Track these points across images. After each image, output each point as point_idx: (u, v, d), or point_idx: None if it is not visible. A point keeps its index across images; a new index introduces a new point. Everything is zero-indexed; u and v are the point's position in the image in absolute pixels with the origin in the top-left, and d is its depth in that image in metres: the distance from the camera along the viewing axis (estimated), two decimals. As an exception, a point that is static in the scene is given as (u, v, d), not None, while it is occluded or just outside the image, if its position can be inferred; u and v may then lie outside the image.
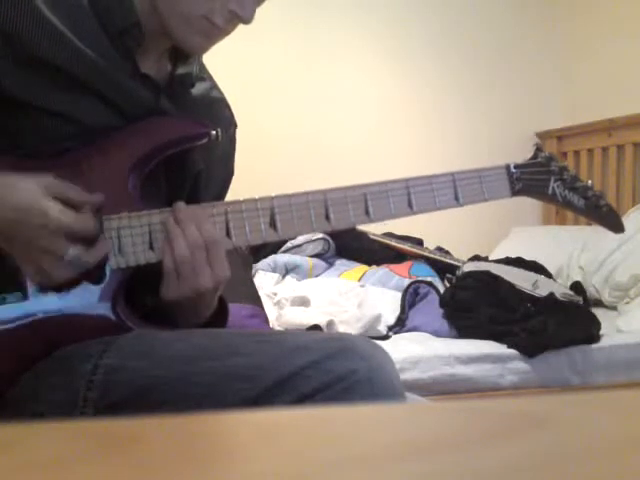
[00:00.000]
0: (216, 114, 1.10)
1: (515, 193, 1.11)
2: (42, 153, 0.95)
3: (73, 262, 0.89)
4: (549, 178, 1.14)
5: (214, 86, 1.14)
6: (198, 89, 1.09)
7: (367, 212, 1.02)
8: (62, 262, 0.88)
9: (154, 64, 1.04)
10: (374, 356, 0.85)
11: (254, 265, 2.64)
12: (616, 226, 1.22)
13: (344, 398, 0.80)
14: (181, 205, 0.95)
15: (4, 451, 0.27)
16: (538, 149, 1.16)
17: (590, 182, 1.19)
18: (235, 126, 1.16)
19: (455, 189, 1.06)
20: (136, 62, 1.00)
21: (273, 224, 0.99)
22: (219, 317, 1.02)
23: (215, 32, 0.98)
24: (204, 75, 1.12)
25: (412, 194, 1.04)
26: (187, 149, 1.02)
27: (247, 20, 0.98)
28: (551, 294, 2.30)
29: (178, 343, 0.90)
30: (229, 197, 1.12)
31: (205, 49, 1.01)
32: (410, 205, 1.04)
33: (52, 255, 0.88)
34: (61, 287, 0.92)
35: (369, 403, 0.78)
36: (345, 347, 0.84)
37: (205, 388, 0.84)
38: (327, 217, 1.01)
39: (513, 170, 1.11)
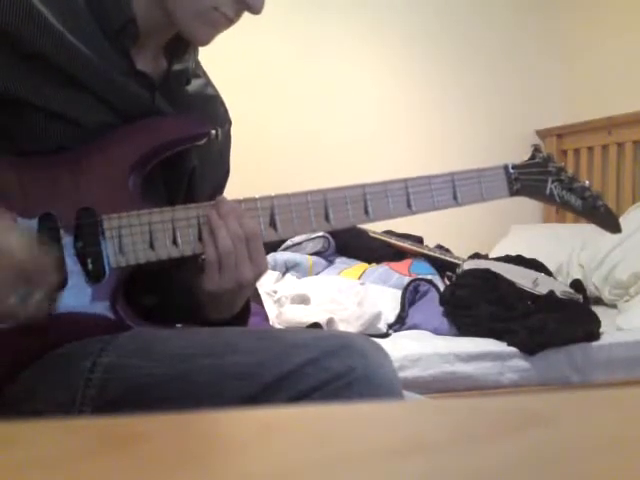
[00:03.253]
0: (211, 111, 1.11)
1: (513, 193, 1.12)
2: (40, 152, 0.94)
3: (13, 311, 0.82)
4: (547, 179, 1.15)
5: (209, 83, 1.14)
6: (193, 86, 1.09)
7: (366, 212, 1.03)
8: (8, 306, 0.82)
9: (150, 61, 1.04)
10: (372, 354, 0.85)
11: (254, 263, 2.64)
12: (613, 227, 1.23)
13: (342, 396, 0.80)
14: (223, 199, 0.97)
15: (3, 449, 0.27)
16: (536, 150, 1.17)
17: (588, 182, 1.20)
18: (230, 123, 1.16)
19: (454, 189, 1.07)
20: (132, 60, 0.99)
21: (273, 224, 0.99)
22: (244, 313, 1.03)
23: (224, 23, 0.98)
24: (199, 72, 1.12)
25: (411, 194, 1.04)
26: (186, 148, 1.02)
27: (257, 11, 0.98)
28: (551, 292, 2.30)
29: (177, 341, 0.90)
30: (229, 197, 1.12)
31: (211, 40, 1.01)
32: (409, 205, 1.04)
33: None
34: (61, 285, 0.92)
35: (367, 401, 0.78)
36: (343, 345, 0.84)
37: (204, 386, 0.84)
38: (327, 217, 1.01)
39: (511, 170, 1.12)
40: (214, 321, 1.00)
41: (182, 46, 1.06)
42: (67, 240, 0.92)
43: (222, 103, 1.15)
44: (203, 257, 0.96)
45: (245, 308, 1.03)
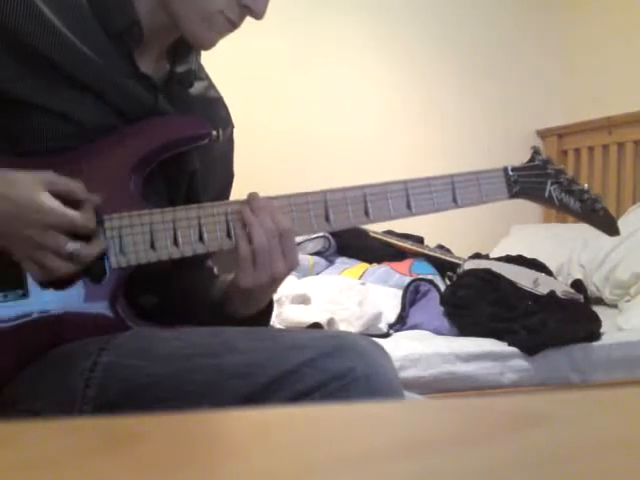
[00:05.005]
0: (213, 114, 1.11)
1: (512, 196, 1.13)
2: (42, 152, 0.94)
3: (73, 257, 0.89)
4: (546, 181, 1.15)
5: (211, 86, 1.14)
6: (196, 89, 1.10)
7: (366, 213, 1.03)
8: (61, 257, 0.89)
9: (152, 64, 1.04)
10: (372, 354, 0.85)
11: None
12: (611, 229, 1.24)
13: (342, 396, 0.80)
14: (256, 195, 0.98)
15: (3, 449, 0.27)
16: (535, 152, 1.18)
17: (586, 185, 1.21)
18: (232, 126, 1.16)
19: (453, 191, 1.07)
20: (135, 62, 0.99)
21: None
22: (268, 308, 1.05)
23: (229, 27, 0.99)
24: (202, 75, 1.12)
25: (411, 196, 1.05)
26: (187, 149, 1.03)
27: (260, 15, 0.99)
28: (552, 292, 2.30)
29: (176, 341, 0.90)
30: (230, 198, 1.12)
31: (215, 44, 1.02)
32: (409, 206, 1.05)
33: (51, 250, 0.88)
34: (61, 285, 0.92)
35: (367, 401, 0.78)
36: (343, 345, 0.84)
37: (202, 386, 0.84)
38: (327, 218, 1.01)
39: (510, 173, 1.12)
40: (240, 318, 1.01)
41: (185, 48, 1.06)
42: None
43: (225, 106, 1.15)
44: (214, 258, 0.97)
45: (268, 304, 1.04)
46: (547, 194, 1.15)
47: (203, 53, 1.10)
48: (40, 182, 0.87)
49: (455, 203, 1.08)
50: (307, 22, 3.38)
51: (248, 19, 1.01)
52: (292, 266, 0.97)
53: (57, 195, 0.88)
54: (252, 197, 0.98)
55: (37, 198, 0.86)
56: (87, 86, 0.95)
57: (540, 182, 1.15)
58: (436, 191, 1.06)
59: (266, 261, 0.95)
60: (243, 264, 0.95)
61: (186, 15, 0.97)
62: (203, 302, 1.06)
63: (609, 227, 1.23)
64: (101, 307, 0.93)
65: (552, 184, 1.15)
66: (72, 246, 0.88)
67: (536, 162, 1.16)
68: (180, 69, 1.06)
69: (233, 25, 0.99)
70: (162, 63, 1.06)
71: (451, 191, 1.07)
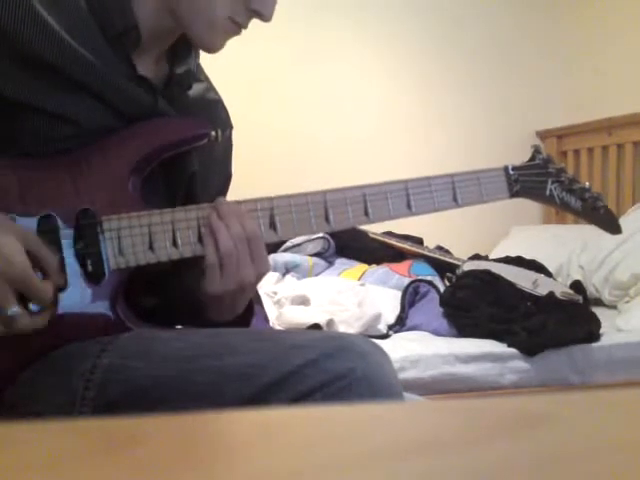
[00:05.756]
0: (213, 116, 1.10)
1: (513, 195, 1.12)
2: (42, 153, 0.94)
3: (8, 320, 0.82)
4: (547, 180, 1.15)
5: (210, 87, 1.14)
6: (195, 90, 1.10)
7: (366, 213, 1.03)
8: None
9: (151, 66, 1.04)
10: (372, 355, 0.85)
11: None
12: (613, 228, 1.23)
13: (342, 397, 0.80)
14: (223, 200, 0.97)
15: (3, 449, 0.27)
16: (536, 151, 1.17)
17: (587, 184, 1.20)
18: (231, 127, 1.16)
19: (454, 190, 1.07)
20: (133, 64, 0.99)
21: (273, 225, 0.99)
22: (247, 314, 1.02)
23: (237, 31, 0.99)
24: (201, 76, 1.12)
25: (411, 195, 1.04)
26: (186, 150, 1.02)
27: (268, 18, 0.99)
28: (551, 293, 2.30)
29: (176, 342, 0.90)
30: (229, 198, 1.12)
31: (222, 47, 1.02)
32: (409, 206, 1.04)
33: None
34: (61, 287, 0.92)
35: (367, 402, 0.78)
36: (343, 346, 0.84)
37: (203, 387, 0.84)
38: (326, 218, 1.01)
39: (511, 172, 1.12)
40: (216, 323, 1.00)
41: (184, 49, 1.06)
42: (67, 241, 0.92)
43: (224, 107, 1.15)
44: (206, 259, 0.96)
45: (248, 309, 1.02)
46: (548, 193, 1.15)
47: (204, 54, 1.10)
48: (19, 235, 0.83)
49: (456, 202, 1.07)
50: (307, 22, 3.38)
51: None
52: (261, 272, 0.95)
53: (28, 254, 0.84)
54: (219, 202, 0.96)
55: (7, 248, 0.81)
56: (86, 88, 0.95)
57: (541, 181, 1.14)
58: (436, 190, 1.06)
59: (233, 267, 0.92)
60: (210, 270, 0.93)
61: (193, 20, 0.97)
62: (197, 303, 1.05)
63: (611, 225, 1.23)
64: (101, 308, 0.93)
65: (553, 183, 1.15)
66: (14, 311, 0.82)
67: (537, 161, 1.15)
68: (179, 70, 1.06)
69: (240, 28, 0.99)
70: (162, 64, 1.06)
71: (451, 190, 1.07)
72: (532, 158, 1.16)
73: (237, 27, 0.98)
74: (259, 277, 0.95)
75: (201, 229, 0.95)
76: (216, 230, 0.94)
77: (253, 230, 0.95)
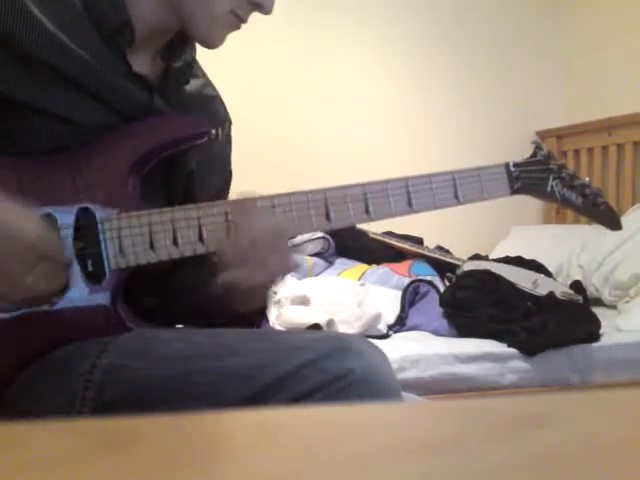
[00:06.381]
0: (210, 111, 1.10)
1: (514, 192, 1.12)
2: (41, 152, 0.94)
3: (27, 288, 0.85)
4: (548, 176, 1.14)
5: (208, 83, 1.14)
6: (192, 86, 1.09)
7: (367, 211, 1.02)
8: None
9: (147, 63, 1.03)
10: (371, 355, 0.85)
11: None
12: (614, 224, 1.23)
13: (341, 397, 0.80)
14: (247, 194, 0.98)
15: (2, 449, 0.27)
16: (537, 147, 1.17)
17: (588, 180, 1.19)
18: (230, 122, 1.16)
19: (455, 188, 1.07)
20: (128, 61, 0.99)
21: None
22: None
23: (237, 25, 1.00)
24: (198, 72, 1.12)
25: (412, 193, 1.04)
26: (185, 148, 1.02)
27: (269, 11, 0.99)
28: (551, 293, 2.30)
29: (176, 343, 0.90)
30: (229, 198, 1.12)
31: (223, 42, 1.02)
32: (410, 204, 1.04)
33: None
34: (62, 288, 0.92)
35: (366, 402, 0.78)
36: (342, 346, 0.84)
37: (203, 387, 0.84)
38: (327, 216, 1.01)
39: (512, 169, 1.11)
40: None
41: (181, 45, 1.06)
42: (67, 241, 0.92)
43: (222, 103, 1.15)
44: (217, 255, 0.97)
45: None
46: (549, 189, 1.15)
47: (203, 52, 1.09)
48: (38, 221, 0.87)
49: (457, 200, 1.07)
50: (307, 22, 3.38)
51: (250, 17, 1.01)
52: (289, 265, 0.97)
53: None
54: (245, 198, 0.97)
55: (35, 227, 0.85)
56: (83, 87, 0.95)
57: (542, 178, 1.14)
58: (437, 188, 1.06)
59: (260, 261, 0.93)
60: (241, 263, 0.94)
61: (194, 14, 0.97)
62: (203, 299, 1.05)
63: (611, 221, 1.23)
64: (101, 308, 0.93)
65: (554, 179, 1.14)
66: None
67: (538, 157, 1.15)
68: (176, 65, 1.05)
69: (240, 22, 0.99)
70: (158, 61, 1.05)
71: (452, 188, 1.07)
72: (533, 154, 1.16)
73: (238, 21, 0.98)
74: (287, 269, 0.98)
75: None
76: (243, 224, 0.95)
77: (279, 224, 0.97)
